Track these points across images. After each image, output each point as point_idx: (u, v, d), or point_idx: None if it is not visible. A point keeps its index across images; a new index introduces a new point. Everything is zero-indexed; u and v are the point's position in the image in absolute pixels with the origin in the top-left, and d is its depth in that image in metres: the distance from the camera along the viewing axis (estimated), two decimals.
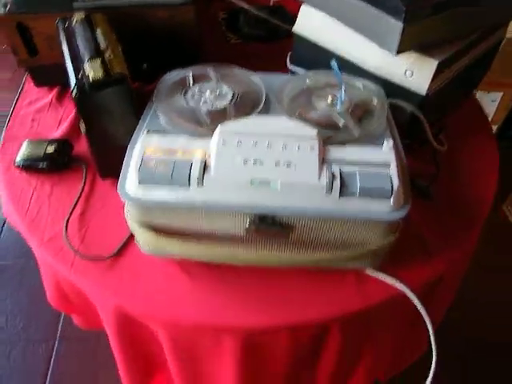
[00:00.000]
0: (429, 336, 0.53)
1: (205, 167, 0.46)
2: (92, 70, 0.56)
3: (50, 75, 0.81)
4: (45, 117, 0.78)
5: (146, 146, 0.48)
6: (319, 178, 0.45)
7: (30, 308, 1.30)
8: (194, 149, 0.47)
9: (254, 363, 0.55)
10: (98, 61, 0.57)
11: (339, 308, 0.52)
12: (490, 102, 1.66)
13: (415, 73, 0.61)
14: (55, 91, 0.82)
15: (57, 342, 1.23)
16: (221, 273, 0.53)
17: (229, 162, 0.46)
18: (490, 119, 1.73)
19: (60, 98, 0.81)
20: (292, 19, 0.72)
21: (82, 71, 0.56)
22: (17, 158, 0.67)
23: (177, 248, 0.49)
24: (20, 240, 0.66)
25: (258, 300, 0.52)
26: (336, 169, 0.45)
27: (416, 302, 0.52)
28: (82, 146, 0.69)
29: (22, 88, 0.85)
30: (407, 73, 0.62)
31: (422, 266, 0.56)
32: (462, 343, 1.23)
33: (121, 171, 0.49)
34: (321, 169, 0.45)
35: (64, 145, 0.69)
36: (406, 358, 0.74)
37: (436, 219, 0.61)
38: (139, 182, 0.46)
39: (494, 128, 1.82)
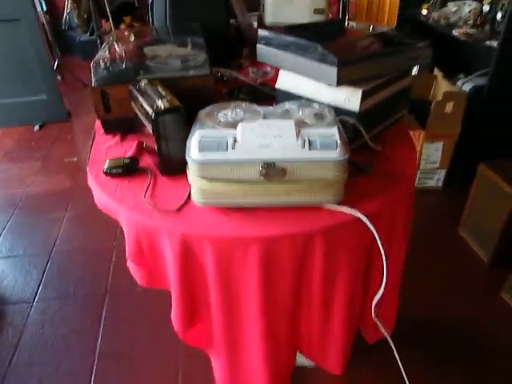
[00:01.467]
0: (382, 259, 0.91)
1: (235, 140, 0.87)
2: (162, 104, 1.00)
3: (115, 126, 1.26)
4: (114, 150, 1.20)
5: (201, 133, 0.90)
6: (297, 141, 0.87)
7: None
8: (226, 133, 0.89)
9: (269, 269, 0.91)
10: (164, 99, 1.02)
11: (318, 224, 0.90)
12: (434, 151, 2.16)
13: (350, 99, 1.07)
14: (118, 136, 1.25)
15: None
16: (244, 211, 0.92)
17: (247, 137, 0.88)
18: (437, 166, 2.22)
19: (122, 140, 1.24)
20: (271, 89, 1.21)
21: (155, 106, 1.00)
22: (104, 168, 1.08)
23: (219, 189, 0.88)
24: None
25: (268, 223, 0.90)
26: (306, 136, 0.88)
27: (366, 221, 0.91)
28: (143, 162, 1.11)
29: (94, 137, 1.29)
30: (346, 99, 1.08)
31: (369, 204, 0.95)
32: None
33: (183, 153, 0.89)
34: (297, 136, 0.87)
35: (133, 159, 1.11)
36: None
37: (376, 183, 1.02)
38: (199, 151, 0.87)
39: (442, 173, 2.29)
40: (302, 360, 1.46)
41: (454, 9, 2.57)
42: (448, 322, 1.68)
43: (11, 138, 3.16)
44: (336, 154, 0.87)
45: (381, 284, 1.01)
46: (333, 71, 1.02)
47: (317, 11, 1.70)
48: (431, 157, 2.24)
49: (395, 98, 1.22)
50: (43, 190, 2.54)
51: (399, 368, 1.20)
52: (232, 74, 1.62)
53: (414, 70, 2.60)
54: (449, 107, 2.10)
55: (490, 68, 2.02)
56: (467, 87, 2.19)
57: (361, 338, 1.27)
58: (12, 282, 1.91)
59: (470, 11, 2.46)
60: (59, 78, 3.91)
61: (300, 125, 0.93)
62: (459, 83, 2.25)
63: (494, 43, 2.06)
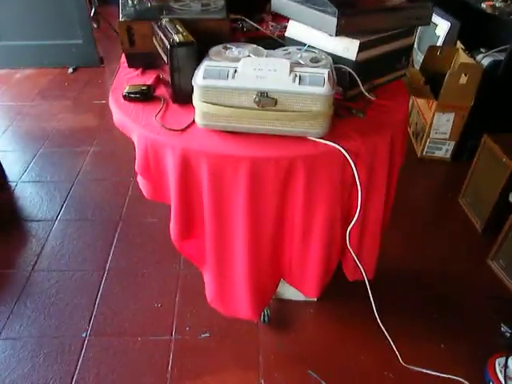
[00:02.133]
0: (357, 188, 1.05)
1: (235, 71, 1.01)
2: (178, 38, 1.14)
3: (138, 60, 1.41)
4: (134, 80, 1.35)
5: (207, 64, 1.04)
6: (289, 76, 1.00)
7: None
8: (229, 65, 1.03)
9: (256, 186, 1.06)
10: (180, 35, 1.16)
11: (302, 151, 1.04)
12: (445, 121, 2.24)
13: (348, 49, 1.18)
14: (140, 70, 1.40)
15: None
16: (237, 135, 1.07)
17: (247, 69, 1.01)
18: (447, 137, 2.30)
19: (143, 73, 1.39)
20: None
21: (172, 39, 1.14)
22: (124, 92, 1.24)
23: (218, 112, 1.03)
24: None
25: (258, 147, 1.05)
26: (297, 73, 1.01)
27: (346, 154, 1.04)
28: (158, 92, 1.26)
29: (118, 68, 1.44)
30: (344, 49, 1.19)
31: (352, 142, 1.08)
32: None
33: (192, 81, 1.04)
34: (290, 72, 1.01)
35: (150, 87, 1.26)
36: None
37: (364, 126, 1.15)
38: (203, 77, 1.01)
39: (451, 145, 2.37)
40: (288, 293, 1.64)
41: None
42: (431, 279, 1.81)
43: (46, 77, 3.37)
44: (322, 89, 1.00)
45: (357, 212, 1.15)
46: (332, 21, 1.14)
47: None
48: (442, 127, 2.31)
49: (395, 54, 1.32)
50: (72, 126, 2.75)
51: (373, 308, 1.36)
52: (252, 24, 1.74)
53: (439, 42, 2.65)
54: (463, 79, 2.16)
55: (510, 43, 2.07)
56: (486, 61, 2.24)
57: (343, 277, 1.41)
58: (38, 203, 2.13)
59: None
60: (95, 25, 4.06)
61: (296, 64, 1.06)
62: (479, 57, 2.30)
63: None
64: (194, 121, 1.11)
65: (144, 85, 1.27)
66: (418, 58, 2.73)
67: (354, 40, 1.17)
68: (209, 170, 1.06)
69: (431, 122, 2.31)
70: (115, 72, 1.43)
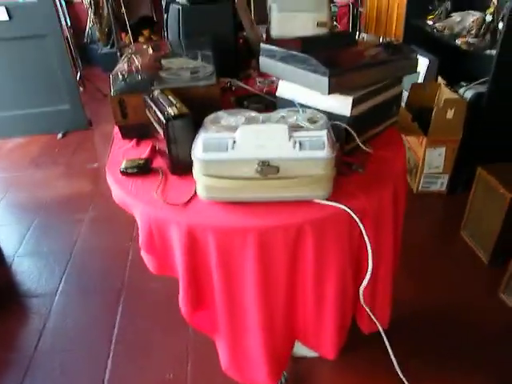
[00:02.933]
0: (366, 247, 1.02)
1: (234, 142, 1.00)
2: (172, 111, 1.13)
3: (131, 131, 1.40)
4: (130, 153, 1.34)
5: (204, 135, 1.02)
6: (289, 142, 0.99)
7: None
8: (227, 136, 1.02)
9: (265, 256, 1.03)
10: (174, 107, 1.15)
11: (309, 216, 1.02)
12: (437, 156, 2.25)
13: (342, 105, 1.19)
14: (134, 141, 1.39)
15: None
16: (242, 205, 1.04)
17: (245, 138, 1.00)
18: (440, 171, 2.31)
19: (137, 144, 1.38)
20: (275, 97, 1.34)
21: (166, 113, 1.14)
22: (121, 167, 1.22)
23: (220, 185, 1.00)
24: None
25: (264, 215, 1.02)
26: (297, 138, 1.00)
27: (350, 212, 1.02)
28: (155, 163, 1.24)
29: (112, 141, 1.43)
30: (338, 106, 1.19)
31: (357, 200, 1.06)
32: None
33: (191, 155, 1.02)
34: (289, 138, 0.99)
35: (147, 160, 1.24)
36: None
37: (365, 182, 1.13)
38: (203, 151, 1.00)
39: (446, 178, 2.37)
40: (303, 351, 1.57)
41: (458, 19, 2.67)
42: (446, 319, 1.76)
43: (36, 145, 3.36)
44: (323, 153, 0.98)
45: (368, 272, 1.12)
46: (324, 81, 1.14)
47: (319, 24, 1.82)
48: (434, 162, 2.32)
49: (386, 104, 1.33)
50: (66, 193, 2.72)
51: (392, 358, 1.30)
52: (239, 84, 1.75)
53: (420, 79, 2.70)
54: (450, 114, 2.19)
55: (489, 76, 2.11)
56: (469, 94, 2.28)
57: (358, 331, 1.36)
58: (37, 277, 2.07)
59: (473, 21, 2.55)
60: (81, 88, 4.12)
61: (293, 128, 1.05)
62: (461, 90, 2.34)
63: (494, 52, 2.14)
64: (195, 192, 1.09)
65: (140, 159, 1.26)
66: (403, 95, 2.78)
67: (347, 96, 1.18)
68: (216, 244, 1.03)
69: (423, 158, 2.32)
70: (110, 144, 1.41)
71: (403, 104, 2.62)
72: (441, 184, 2.43)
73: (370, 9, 3.47)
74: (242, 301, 1.14)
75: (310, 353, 1.58)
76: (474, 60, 2.43)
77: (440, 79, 2.51)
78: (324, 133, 1.03)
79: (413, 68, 1.31)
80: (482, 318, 1.76)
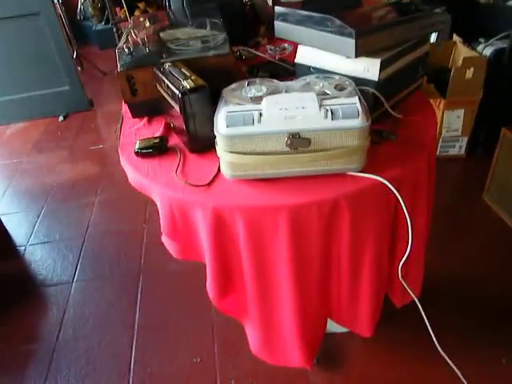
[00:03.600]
0: (406, 221, 0.95)
1: (260, 114, 0.91)
2: (188, 84, 1.04)
3: (142, 109, 1.31)
4: (142, 132, 1.26)
5: (227, 109, 0.94)
6: (320, 111, 0.90)
7: None
8: (252, 108, 0.93)
9: (298, 236, 0.96)
10: (189, 80, 1.06)
11: (343, 191, 0.94)
12: (455, 118, 2.15)
13: (369, 69, 1.09)
14: (145, 119, 1.31)
15: None
16: (271, 182, 0.97)
17: (272, 110, 0.92)
18: (459, 134, 2.22)
19: (149, 122, 1.30)
20: (290, 64, 1.23)
21: (181, 86, 1.05)
22: (135, 148, 1.14)
23: (247, 162, 0.93)
24: None
25: (295, 192, 0.95)
26: (328, 107, 0.91)
27: (389, 185, 0.94)
28: (171, 141, 1.16)
29: (122, 121, 1.34)
30: (365, 70, 1.10)
31: (392, 170, 0.98)
32: None
33: (210, 131, 0.94)
34: (320, 107, 0.91)
35: (163, 139, 1.16)
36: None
37: (399, 149, 1.05)
38: (227, 126, 0.91)
39: (464, 141, 2.28)
40: (333, 327, 1.52)
41: None
42: (477, 288, 1.70)
43: (37, 129, 3.27)
44: (358, 122, 0.90)
45: (406, 247, 1.05)
46: (350, 43, 1.05)
47: None
48: (453, 124, 2.23)
49: (413, 65, 1.23)
50: (72, 177, 2.65)
51: (428, 331, 1.24)
52: (250, 51, 1.65)
53: (432, 38, 2.57)
54: (469, 73, 2.08)
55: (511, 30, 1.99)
56: (488, 51, 2.16)
57: (389, 304, 1.31)
58: (52, 265, 2.02)
59: None
60: (79, 68, 3.98)
61: (321, 96, 0.97)
62: (480, 48, 2.22)
63: None
64: (218, 170, 1.01)
65: (155, 137, 1.18)
66: None
67: (375, 59, 1.08)
68: (245, 225, 0.96)
69: (441, 121, 2.22)
70: (117, 125, 1.33)
71: None
72: (459, 148, 2.34)
73: None
74: (274, 282, 1.08)
75: (339, 329, 1.53)
76: (492, 13, 2.30)
77: (455, 36, 2.38)
78: (356, 99, 0.95)
79: (444, 23, 1.21)
80: (510, 285, 1.70)
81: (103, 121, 3.29)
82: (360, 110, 0.91)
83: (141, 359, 1.57)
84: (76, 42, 4.12)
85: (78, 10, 4.71)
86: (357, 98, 0.96)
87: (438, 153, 2.36)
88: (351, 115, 0.91)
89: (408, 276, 1.23)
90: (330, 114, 0.91)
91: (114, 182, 2.49)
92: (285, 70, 1.47)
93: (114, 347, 1.62)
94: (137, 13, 3.85)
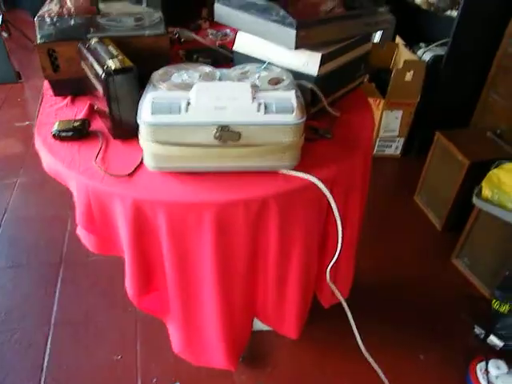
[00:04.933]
0: (336, 223, 0.92)
1: (188, 103, 0.85)
2: (113, 64, 0.95)
3: (65, 87, 1.20)
4: (64, 112, 1.15)
5: (153, 95, 0.86)
6: (252, 104, 0.85)
7: None
8: (180, 95, 0.87)
9: (224, 234, 0.91)
10: (115, 59, 0.97)
11: (273, 189, 0.90)
12: (394, 118, 2.19)
13: (309, 62, 1.06)
14: (69, 98, 1.19)
15: None
16: (198, 176, 0.91)
17: (201, 99, 0.85)
18: (396, 134, 2.27)
19: (72, 102, 1.19)
20: (230, 51, 1.17)
21: (105, 66, 0.95)
22: (53, 130, 1.03)
23: (172, 152, 0.86)
24: None
25: (223, 188, 0.89)
26: (261, 99, 0.86)
27: (321, 186, 0.91)
28: (94, 125, 1.07)
29: (42, 99, 1.22)
30: (304, 63, 1.06)
31: (326, 170, 0.95)
32: None
33: (136, 117, 0.86)
34: (253, 99, 0.86)
35: (85, 122, 1.06)
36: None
37: (334, 148, 1.03)
38: (151, 113, 0.84)
39: (401, 142, 2.34)
40: (259, 325, 1.50)
41: None
42: (401, 287, 1.75)
43: None
44: (292, 117, 0.86)
45: (336, 250, 1.03)
46: (291, 33, 1.00)
47: None
48: (390, 125, 2.27)
49: (354, 63, 1.21)
50: None
51: (353, 332, 1.25)
52: (189, 34, 1.56)
53: (376, 38, 2.61)
54: (409, 76, 2.12)
55: (449, 38, 2.05)
56: (427, 56, 2.22)
57: (317, 303, 1.30)
58: None
59: None
60: (5, 34, 3.66)
61: (256, 88, 0.92)
62: (420, 52, 2.27)
63: (455, 13, 2.08)
64: (142, 160, 0.94)
65: (76, 120, 1.07)
66: None
67: (315, 53, 1.05)
68: (167, 221, 0.89)
69: (380, 121, 2.26)
70: (38, 101, 1.20)
71: None
72: (395, 148, 2.39)
73: None
74: (197, 281, 1.02)
75: (266, 327, 1.51)
76: (433, 21, 2.36)
77: (398, 39, 2.43)
78: (292, 94, 0.90)
79: (387, 22, 1.20)
80: (434, 284, 1.77)
81: (32, 95, 3.04)
82: (295, 105, 0.87)
83: (56, 356, 1.46)
84: (3, 7, 3.78)
85: None
86: (293, 92, 0.91)
87: (374, 152, 2.40)
88: (285, 110, 0.86)
89: (337, 278, 1.23)
90: (263, 107, 0.86)
91: (39, 163, 2.29)
92: (224, 58, 1.40)
93: (25, 345, 1.49)
94: None
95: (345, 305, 1.23)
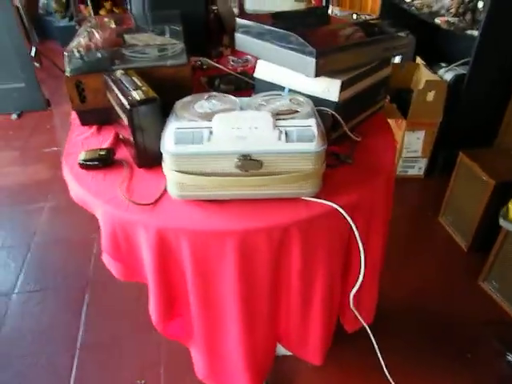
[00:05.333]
0: (359, 249, 0.91)
1: (211, 132, 0.86)
2: (137, 95, 0.98)
3: (91, 117, 1.23)
4: (90, 141, 1.18)
5: (176, 125, 0.88)
6: (273, 132, 0.86)
7: None
8: (202, 125, 0.88)
9: (246, 262, 0.91)
10: (139, 90, 1.00)
11: (295, 217, 0.90)
12: (415, 139, 2.17)
13: (329, 89, 1.06)
14: (95, 127, 1.23)
15: None
16: (220, 204, 0.92)
17: (223, 128, 0.87)
18: (419, 155, 2.24)
19: (98, 131, 1.22)
20: (251, 77, 1.19)
21: (130, 97, 0.98)
22: (79, 159, 1.06)
23: (195, 182, 0.87)
24: None
25: (245, 216, 0.90)
26: (282, 128, 0.87)
27: (343, 212, 0.91)
28: (119, 154, 1.09)
29: (70, 128, 1.26)
30: (324, 90, 1.07)
31: (348, 196, 0.95)
32: None
33: (159, 146, 0.88)
34: (273, 128, 0.87)
35: (110, 151, 1.09)
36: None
37: (355, 174, 1.02)
38: (175, 143, 0.86)
39: (424, 162, 2.31)
40: (283, 350, 1.48)
41: None
42: (428, 311, 1.71)
43: None
44: (313, 146, 0.86)
45: (358, 276, 1.02)
46: (311, 62, 1.01)
47: None
48: (413, 145, 2.25)
49: (374, 87, 1.22)
50: (22, 180, 2.50)
51: (377, 355, 1.22)
52: (211, 63, 1.60)
53: (397, 59, 2.61)
54: (430, 96, 2.11)
55: (470, 57, 2.03)
56: (449, 76, 2.20)
57: (340, 327, 1.28)
58: None
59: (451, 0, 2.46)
60: (37, 64, 3.81)
61: (277, 116, 0.92)
62: (441, 72, 2.26)
63: (475, 32, 2.06)
64: (166, 189, 0.95)
65: (102, 149, 1.10)
66: None
67: (335, 80, 1.06)
68: (190, 249, 0.90)
69: (402, 141, 2.24)
70: (66, 128, 1.24)
71: None
72: (419, 168, 2.36)
73: None
74: (221, 308, 1.02)
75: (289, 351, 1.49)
76: (454, 40, 2.35)
77: (418, 59, 2.42)
78: (313, 121, 0.91)
79: (406, 46, 1.20)
80: (461, 307, 1.72)
81: (60, 122, 3.14)
82: (316, 133, 0.88)
83: (81, 380, 1.47)
84: (37, 38, 3.95)
85: (41, 4, 4.52)
86: (314, 119, 0.92)
87: (397, 172, 2.38)
88: (306, 138, 0.87)
89: (360, 303, 1.21)
90: (283, 135, 0.87)
91: (66, 188, 2.35)
92: (246, 84, 1.43)
93: (52, 368, 1.51)
94: (102, 12, 3.73)
95: (369, 331, 1.20)
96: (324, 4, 3.39)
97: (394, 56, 1.23)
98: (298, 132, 0.87)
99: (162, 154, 0.89)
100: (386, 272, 1.72)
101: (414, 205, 2.31)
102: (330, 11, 3.31)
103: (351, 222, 0.92)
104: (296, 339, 1.16)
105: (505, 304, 1.69)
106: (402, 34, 1.21)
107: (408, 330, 1.63)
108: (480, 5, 2.25)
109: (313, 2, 3.57)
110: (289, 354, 1.47)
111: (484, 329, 1.63)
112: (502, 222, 1.52)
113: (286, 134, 0.87)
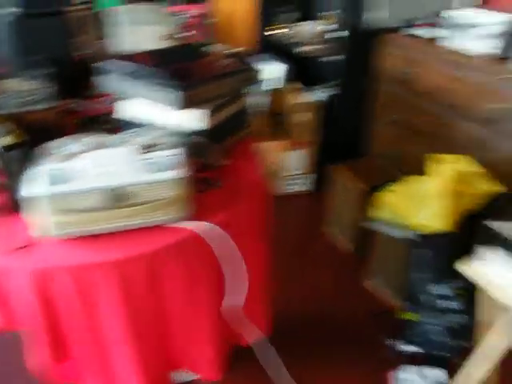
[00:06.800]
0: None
1: (78, 172, 0.93)
2: (5, 141, 1.01)
3: None
4: None
5: (44, 167, 0.94)
6: (137, 165, 0.95)
7: None
8: (70, 165, 0.94)
9: (127, 287, 0.97)
10: (8, 136, 1.03)
11: (164, 241, 0.99)
12: (297, 158, 2.38)
13: (195, 119, 1.18)
14: None
15: None
16: (95, 238, 0.98)
17: (89, 166, 0.94)
18: (302, 171, 2.45)
19: None
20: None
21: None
22: None
23: (67, 219, 0.92)
24: None
25: (119, 246, 0.97)
26: (145, 161, 0.97)
27: (202, 235, 1.01)
28: None
29: None
30: (191, 120, 1.19)
31: (215, 217, 1.06)
32: None
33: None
34: (136, 161, 0.96)
35: None
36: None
37: (223, 196, 1.14)
38: (42, 185, 0.91)
39: (310, 178, 2.52)
40: (184, 375, 1.51)
41: (305, 28, 2.86)
42: (321, 314, 1.87)
43: None
44: (173, 173, 0.97)
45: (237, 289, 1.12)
46: (177, 96, 1.12)
47: (165, 37, 1.81)
48: (295, 164, 2.47)
49: (236, 116, 1.36)
50: None
51: (280, 366, 1.31)
52: (82, 104, 1.64)
53: (280, 84, 2.82)
54: (303, 117, 2.35)
55: (338, 80, 2.32)
56: (322, 97, 2.46)
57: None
58: None
59: (315, 31, 2.76)
60: None
61: (142, 150, 1.02)
62: (318, 94, 2.51)
63: (338, 57, 2.35)
64: (38, 230, 0.99)
65: None
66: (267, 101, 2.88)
67: (201, 110, 1.18)
68: (72, 284, 0.94)
69: (284, 161, 2.44)
70: None
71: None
72: (303, 184, 2.58)
73: (224, 18, 3.53)
74: (111, 340, 1.06)
75: (189, 376, 1.53)
76: (320, 66, 2.63)
77: (297, 84, 2.66)
78: (174, 151, 1.02)
79: (254, 79, 1.36)
80: (349, 307, 1.90)
81: None
82: (176, 161, 0.98)
83: None
84: None
85: None
86: (177, 149, 1.02)
87: (285, 190, 2.58)
88: (167, 167, 0.97)
89: (254, 314, 1.30)
90: (146, 167, 0.96)
91: None
92: (116, 122, 1.49)
93: None
94: None
95: (266, 341, 1.29)
96: (204, 40, 3.57)
97: (249, 86, 1.37)
98: (160, 162, 0.97)
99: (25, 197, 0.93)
100: (276, 285, 1.86)
101: (301, 219, 2.50)
102: (212, 47, 3.49)
103: (210, 243, 1.03)
104: (191, 359, 1.22)
105: (388, 297, 1.90)
106: (247, 67, 1.36)
107: (305, 334, 1.76)
108: (341, 34, 2.57)
109: (193, 36, 3.73)
110: (189, 379, 1.52)
111: (369, 321, 1.82)
112: (368, 223, 1.74)
113: (148, 165, 0.96)
